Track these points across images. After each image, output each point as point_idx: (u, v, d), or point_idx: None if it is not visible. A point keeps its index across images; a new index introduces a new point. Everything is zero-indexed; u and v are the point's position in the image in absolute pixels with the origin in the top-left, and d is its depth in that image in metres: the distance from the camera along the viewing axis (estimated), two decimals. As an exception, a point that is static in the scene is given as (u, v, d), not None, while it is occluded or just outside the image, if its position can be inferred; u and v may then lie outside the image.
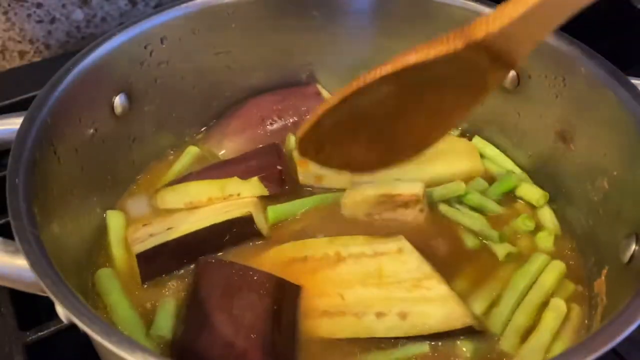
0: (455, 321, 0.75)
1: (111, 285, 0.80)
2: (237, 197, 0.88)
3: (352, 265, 0.81)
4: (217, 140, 1.00)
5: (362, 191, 0.88)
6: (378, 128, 0.72)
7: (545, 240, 0.88)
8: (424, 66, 0.62)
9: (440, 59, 0.62)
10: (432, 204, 0.90)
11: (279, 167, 0.90)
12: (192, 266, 0.84)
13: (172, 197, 0.89)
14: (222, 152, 0.99)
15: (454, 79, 0.65)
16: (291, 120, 1.01)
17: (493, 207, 0.92)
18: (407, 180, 0.89)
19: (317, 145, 0.73)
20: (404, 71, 0.63)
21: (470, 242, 0.87)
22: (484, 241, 0.88)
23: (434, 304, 0.76)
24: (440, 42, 0.62)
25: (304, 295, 0.79)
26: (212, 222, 0.83)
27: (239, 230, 0.85)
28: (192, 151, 0.99)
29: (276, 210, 0.89)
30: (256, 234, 0.86)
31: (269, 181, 0.89)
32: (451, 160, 0.96)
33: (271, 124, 1.00)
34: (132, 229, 0.86)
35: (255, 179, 0.88)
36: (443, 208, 0.91)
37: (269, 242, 0.86)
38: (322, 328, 0.77)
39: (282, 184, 0.90)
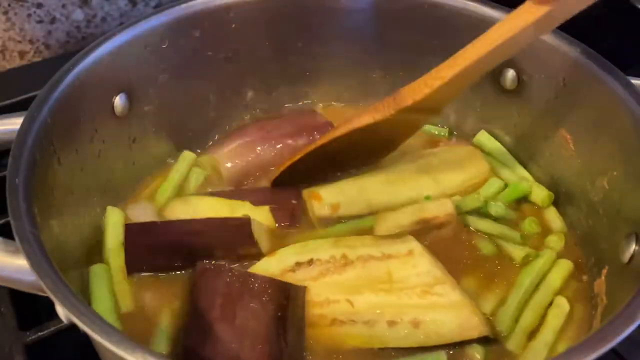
0: (471, 330, 0.72)
1: (100, 281, 0.79)
2: None
3: (361, 270, 0.77)
4: (217, 147, 0.99)
5: (395, 220, 0.84)
6: (335, 158, 0.90)
7: (556, 243, 0.86)
8: (365, 127, 0.83)
9: (377, 123, 0.82)
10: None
11: (293, 202, 0.89)
12: (188, 271, 0.82)
13: (182, 208, 0.88)
14: (221, 158, 0.97)
15: (391, 126, 0.84)
16: (291, 138, 0.98)
17: (509, 214, 0.90)
18: (434, 198, 0.87)
19: (288, 175, 0.91)
20: (348, 132, 0.85)
21: (486, 248, 0.86)
22: (500, 246, 0.86)
23: (448, 311, 0.73)
24: (376, 110, 0.82)
25: (311, 303, 0.76)
26: (207, 216, 0.83)
27: (234, 234, 0.82)
28: (187, 157, 0.97)
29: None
30: (252, 245, 0.81)
31: (280, 213, 0.87)
32: (459, 167, 0.94)
33: (271, 135, 0.98)
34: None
35: (266, 207, 0.87)
36: (463, 217, 0.88)
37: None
38: (332, 337, 0.74)
39: (293, 220, 0.88)
